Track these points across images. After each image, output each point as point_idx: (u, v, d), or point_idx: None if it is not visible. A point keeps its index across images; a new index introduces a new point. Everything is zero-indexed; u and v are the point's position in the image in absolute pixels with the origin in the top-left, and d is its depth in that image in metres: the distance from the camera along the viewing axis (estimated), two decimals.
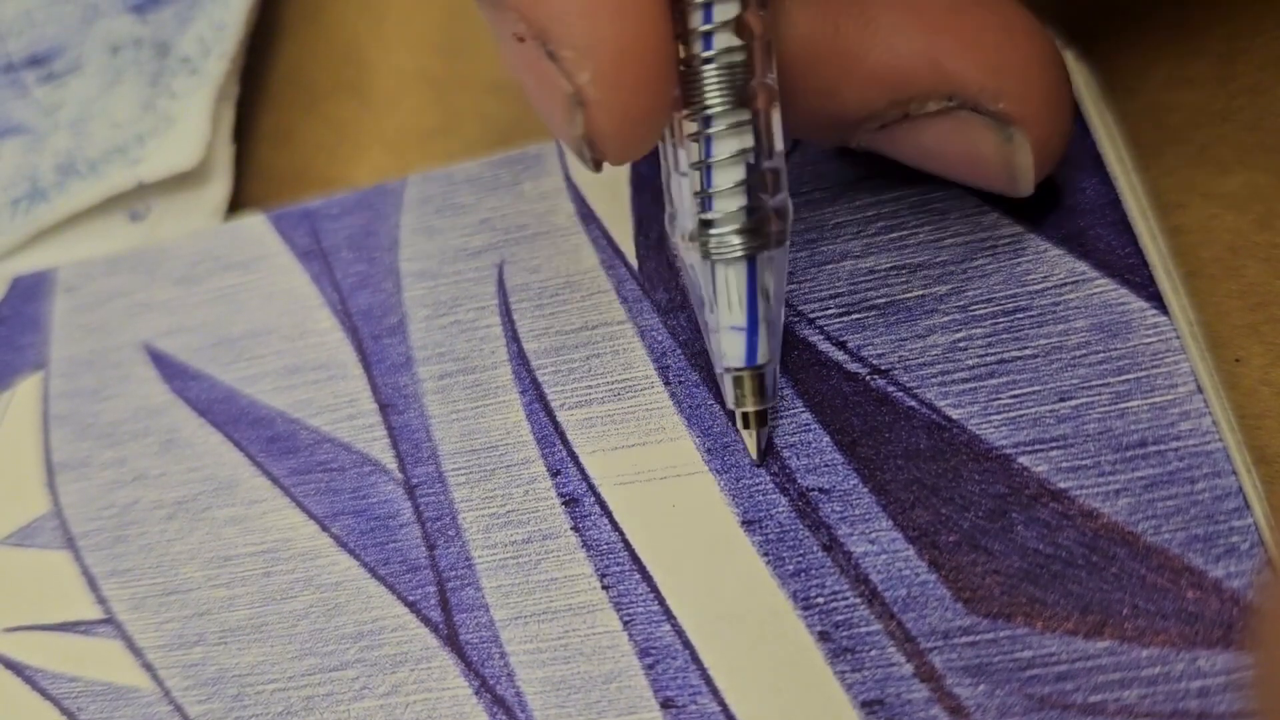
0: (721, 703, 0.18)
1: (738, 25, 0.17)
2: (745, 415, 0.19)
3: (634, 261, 0.22)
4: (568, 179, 0.23)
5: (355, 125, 0.29)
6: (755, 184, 0.18)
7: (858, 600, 0.18)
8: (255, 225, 0.25)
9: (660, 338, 0.21)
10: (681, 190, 0.18)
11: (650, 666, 0.19)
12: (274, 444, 0.23)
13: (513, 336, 0.22)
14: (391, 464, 0.22)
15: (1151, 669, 0.17)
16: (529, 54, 0.17)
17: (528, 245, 0.23)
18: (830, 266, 0.21)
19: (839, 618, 0.18)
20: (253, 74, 0.30)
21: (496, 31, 0.18)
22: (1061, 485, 0.18)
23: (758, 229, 0.18)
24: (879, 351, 0.20)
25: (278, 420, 0.23)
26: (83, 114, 0.29)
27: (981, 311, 0.20)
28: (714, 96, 0.17)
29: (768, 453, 0.20)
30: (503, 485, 0.21)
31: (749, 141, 0.17)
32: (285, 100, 0.30)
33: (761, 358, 0.19)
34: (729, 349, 0.19)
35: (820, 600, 0.19)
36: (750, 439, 0.20)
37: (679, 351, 0.21)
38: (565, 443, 0.21)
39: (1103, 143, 0.20)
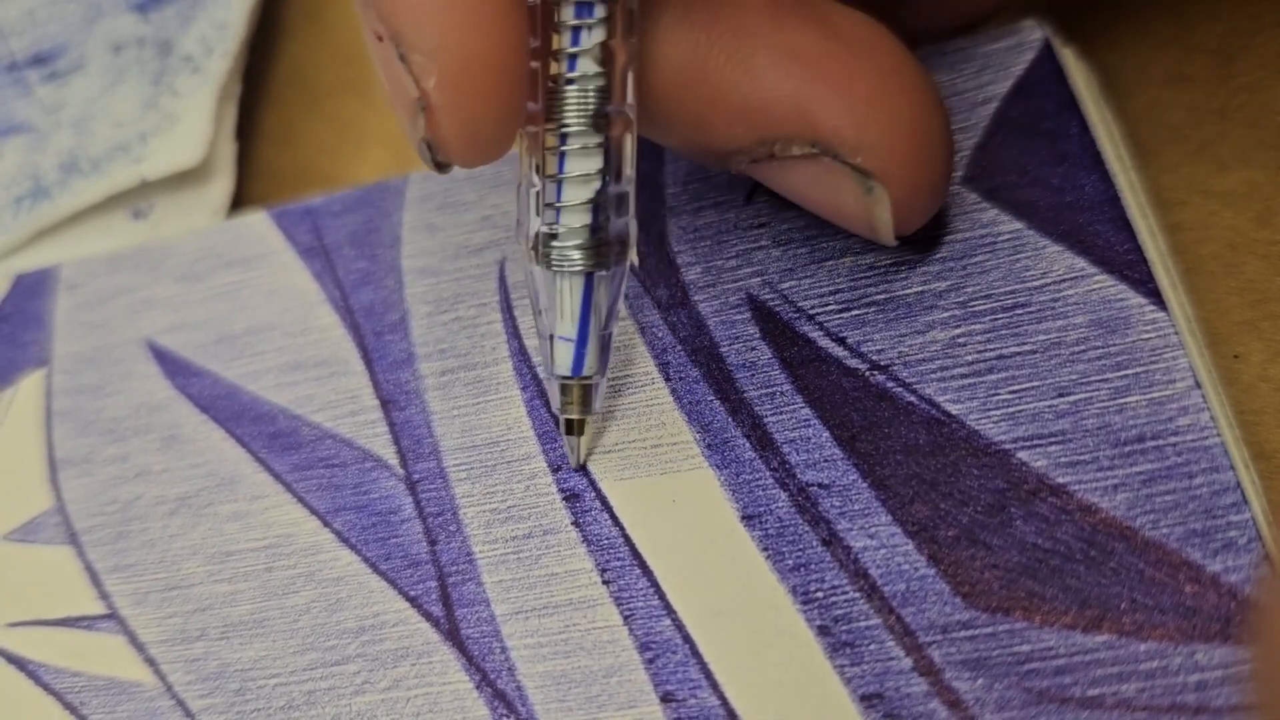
0: (721, 697, 0.18)
1: (602, 51, 0.17)
2: (569, 422, 0.20)
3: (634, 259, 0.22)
4: None
5: (357, 123, 0.29)
6: (601, 205, 0.18)
7: (857, 595, 0.18)
8: (257, 223, 0.25)
9: (660, 334, 0.21)
10: (530, 199, 0.19)
11: (650, 661, 0.19)
12: (276, 440, 0.23)
13: (514, 333, 0.22)
14: (393, 460, 0.22)
15: (1149, 663, 0.17)
16: (384, 53, 0.17)
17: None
18: (830, 263, 0.21)
19: (838, 612, 0.18)
20: (255, 72, 0.30)
21: (363, 27, 0.18)
22: (1060, 480, 0.18)
23: (597, 248, 0.18)
24: (878, 347, 0.20)
25: (279, 416, 0.23)
26: (85, 112, 0.29)
27: (981, 307, 0.20)
28: (570, 117, 0.18)
29: (768, 448, 0.20)
30: (504, 481, 0.21)
31: (599, 164, 0.18)
32: (287, 98, 0.30)
33: (588, 369, 0.19)
34: (559, 358, 0.19)
35: (820, 595, 0.19)
36: (571, 446, 0.20)
37: (679, 348, 0.21)
38: (547, 401, 0.21)
39: (1102, 140, 0.20)
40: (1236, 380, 0.20)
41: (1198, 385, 0.18)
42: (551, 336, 0.19)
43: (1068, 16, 0.23)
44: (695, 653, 0.19)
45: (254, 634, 0.21)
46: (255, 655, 0.21)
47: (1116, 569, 0.18)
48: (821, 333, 0.20)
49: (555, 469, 0.21)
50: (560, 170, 0.18)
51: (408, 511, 0.21)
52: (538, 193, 0.18)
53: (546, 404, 0.21)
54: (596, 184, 0.18)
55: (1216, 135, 0.22)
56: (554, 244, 0.18)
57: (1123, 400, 0.19)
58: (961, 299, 0.20)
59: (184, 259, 0.25)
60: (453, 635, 0.20)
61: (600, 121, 0.18)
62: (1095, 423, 0.18)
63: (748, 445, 0.20)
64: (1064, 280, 0.20)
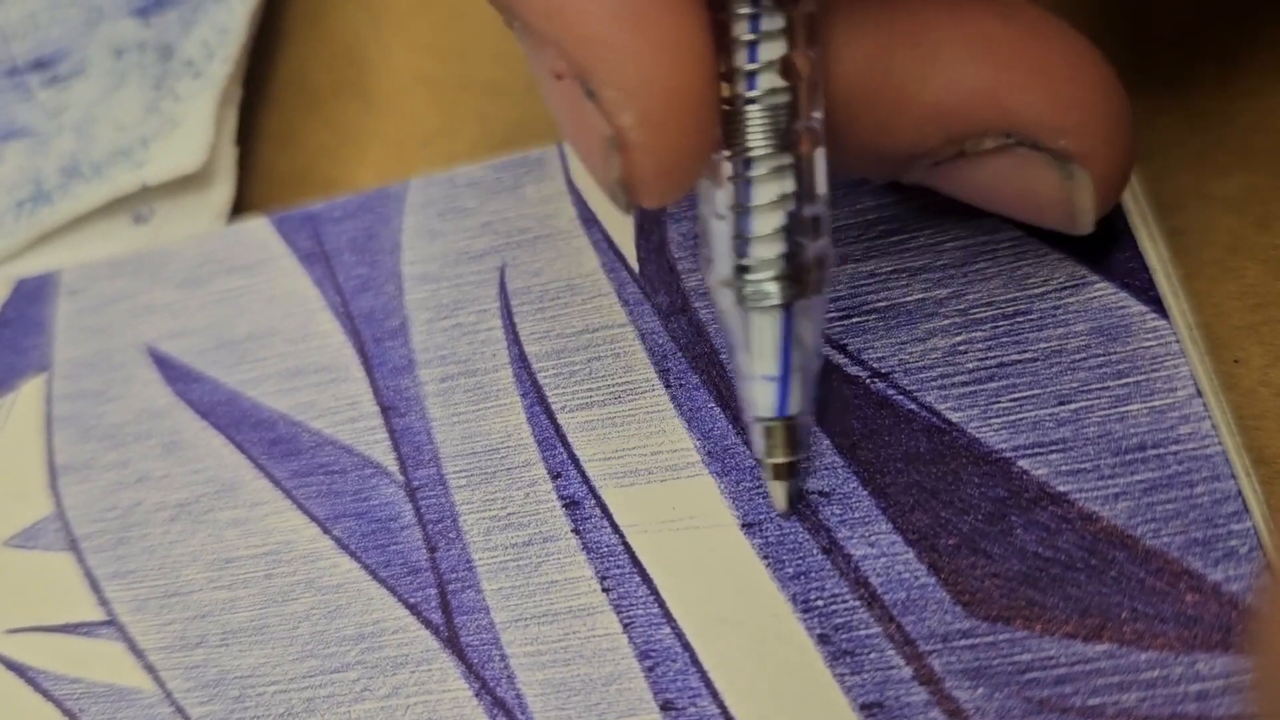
0: (721, 705, 0.18)
1: (784, 65, 0.16)
2: (776, 466, 0.19)
3: (635, 265, 0.22)
4: (569, 182, 0.23)
5: (357, 127, 0.29)
6: (795, 230, 0.17)
7: (857, 603, 0.18)
8: (258, 228, 0.25)
9: (661, 341, 0.21)
10: (718, 234, 0.17)
11: (650, 669, 0.19)
12: (276, 446, 0.23)
13: (514, 339, 0.22)
14: (393, 466, 0.22)
15: (1150, 672, 0.17)
16: (567, 92, 0.16)
17: (529, 248, 0.23)
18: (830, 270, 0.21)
19: (838, 620, 0.18)
20: (255, 77, 0.30)
21: (533, 66, 0.17)
22: (1061, 489, 0.18)
23: (795, 276, 0.17)
24: (879, 355, 0.20)
25: (280, 423, 0.23)
26: (87, 117, 0.29)
27: (981, 315, 0.20)
28: (756, 139, 0.16)
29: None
30: (503, 488, 0.21)
31: (790, 186, 0.17)
32: (288, 103, 0.30)
33: (793, 408, 0.18)
34: (760, 398, 0.18)
35: (820, 603, 0.19)
36: (779, 491, 0.19)
37: (679, 354, 0.21)
38: (566, 445, 0.21)
39: None
40: (1237, 385, 0.20)
41: (1199, 393, 0.18)
42: (750, 378, 0.18)
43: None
44: (695, 661, 0.19)
45: (253, 641, 0.21)
46: (255, 662, 0.21)
47: (1117, 578, 0.18)
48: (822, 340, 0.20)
49: (555, 476, 0.21)
50: (748, 198, 0.17)
51: (407, 518, 0.21)
52: (725, 225, 0.17)
53: (546, 410, 0.21)
54: (790, 207, 0.17)
55: (1217, 140, 0.22)
56: (748, 278, 0.17)
57: (1124, 408, 0.18)
58: (962, 306, 0.20)
59: (185, 264, 0.25)
60: (452, 643, 0.20)
61: (788, 141, 0.16)
62: (1096, 431, 0.18)
63: (748, 453, 0.20)
64: (1065, 288, 0.20)
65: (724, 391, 0.20)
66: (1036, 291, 0.20)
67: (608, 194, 0.17)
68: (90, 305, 0.26)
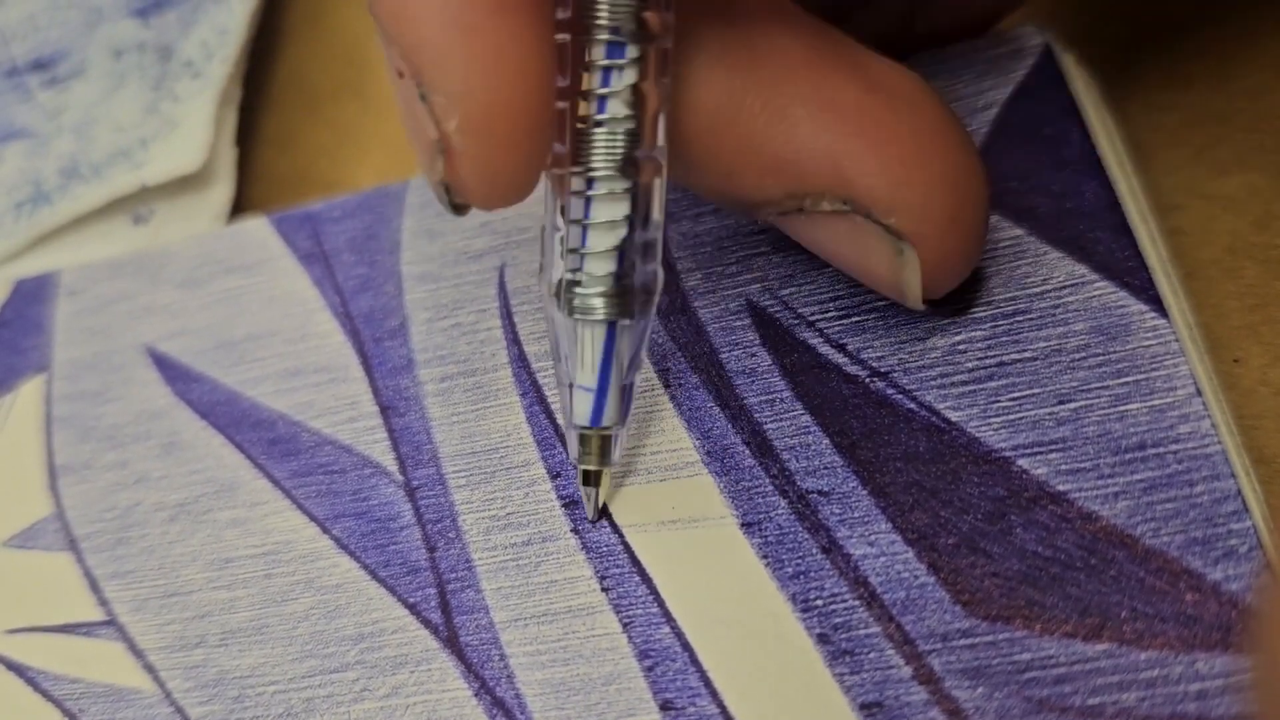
0: (720, 705, 0.18)
1: (633, 93, 0.17)
2: (585, 473, 0.20)
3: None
4: None
5: (357, 128, 0.29)
6: (627, 252, 0.18)
7: (857, 603, 0.18)
8: (257, 228, 0.25)
9: (660, 341, 0.21)
10: (554, 243, 0.18)
11: (650, 669, 0.19)
12: (275, 446, 0.23)
13: (514, 339, 0.22)
14: (392, 466, 0.22)
15: (1150, 672, 0.17)
16: (405, 91, 0.16)
17: (529, 248, 0.23)
18: (830, 269, 0.21)
19: (838, 620, 0.18)
20: (255, 78, 0.30)
21: (386, 62, 0.17)
22: (1061, 488, 0.18)
23: (621, 296, 0.18)
24: (879, 354, 0.20)
25: (279, 423, 0.23)
26: (86, 118, 0.29)
27: (981, 314, 0.20)
28: (599, 161, 0.17)
29: (767, 455, 0.20)
30: (503, 487, 0.21)
31: (626, 210, 0.17)
32: (287, 104, 0.30)
33: (607, 420, 0.19)
34: (578, 407, 0.19)
35: (819, 602, 0.19)
36: (588, 496, 0.20)
37: (679, 354, 0.21)
38: (565, 445, 0.21)
39: (1102, 146, 0.20)
40: (1236, 385, 0.20)
41: (1198, 392, 0.18)
42: (571, 385, 0.19)
43: (1068, 20, 0.22)
44: (694, 661, 0.19)
45: (253, 641, 0.21)
46: (254, 662, 0.21)
47: (1117, 577, 0.18)
48: (821, 339, 0.20)
49: (554, 475, 0.21)
50: (586, 215, 0.17)
51: (407, 518, 0.21)
52: (562, 237, 0.18)
53: (546, 410, 0.21)
54: (623, 231, 0.17)
55: (1216, 139, 0.22)
56: (577, 291, 0.18)
57: (1123, 407, 0.18)
58: (961, 305, 0.20)
59: (184, 265, 0.25)
60: (451, 642, 0.20)
61: (629, 167, 0.17)
62: (1096, 430, 0.18)
63: (747, 452, 0.20)
64: (1064, 287, 0.20)
65: (723, 391, 0.20)
66: (1036, 290, 0.20)
67: (435, 194, 0.17)
68: (90, 306, 0.26)
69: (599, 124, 0.17)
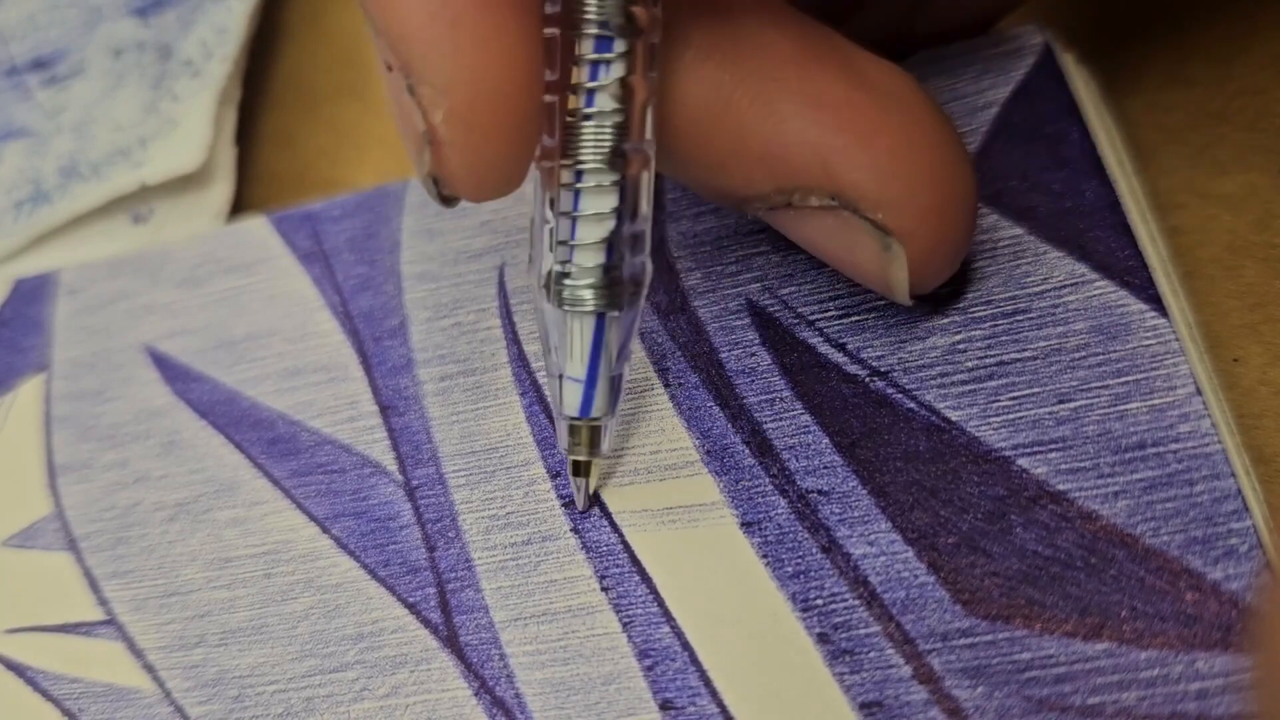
0: (720, 704, 0.18)
1: (621, 87, 0.17)
2: (575, 463, 0.20)
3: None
4: None
5: (356, 128, 0.29)
6: (616, 244, 0.18)
7: (856, 602, 0.18)
8: (257, 227, 0.25)
9: (659, 340, 0.21)
10: (544, 235, 0.18)
11: (649, 668, 0.19)
12: (275, 446, 0.23)
13: (513, 339, 0.22)
14: (392, 466, 0.22)
15: (1150, 671, 0.17)
16: (393, 83, 0.17)
17: (529, 247, 0.23)
18: (830, 269, 0.21)
19: (838, 619, 0.18)
20: (254, 77, 0.30)
21: (375, 55, 0.17)
22: (1060, 487, 0.18)
23: (610, 288, 0.18)
24: (878, 354, 0.20)
25: (279, 422, 0.23)
26: (85, 117, 0.29)
27: (981, 313, 0.20)
28: (587, 153, 0.17)
29: (767, 454, 0.20)
30: (503, 487, 0.21)
31: (614, 203, 0.17)
32: (287, 103, 0.30)
33: (597, 411, 0.19)
34: (567, 398, 0.19)
35: (819, 602, 0.19)
36: (578, 487, 0.20)
37: (678, 353, 0.21)
38: None
39: (1102, 145, 0.20)
40: (1236, 384, 0.20)
41: (1198, 392, 0.18)
42: (560, 376, 0.19)
43: (1067, 20, 0.22)
44: (694, 660, 0.19)
45: (252, 640, 0.21)
46: (254, 662, 0.21)
47: (1117, 576, 0.18)
48: (821, 339, 0.20)
49: (554, 475, 0.21)
50: (575, 207, 0.17)
51: (406, 518, 0.21)
52: (551, 229, 0.18)
53: (546, 410, 0.21)
54: (611, 223, 0.17)
55: (1216, 139, 0.22)
56: (566, 282, 0.18)
57: (1123, 407, 0.18)
58: (961, 305, 0.20)
59: (184, 264, 0.25)
60: (451, 642, 0.20)
61: (617, 159, 0.17)
62: (1096, 429, 0.18)
63: (747, 452, 0.20)
64: (1064, 286, 0.20)
65: (723, 391, 0.20)
66: (1035, 290, 0.20)
67: (424, 186, 0.18)
68: (89, 305, 0.26)
69: (587, 117, 0.17)
